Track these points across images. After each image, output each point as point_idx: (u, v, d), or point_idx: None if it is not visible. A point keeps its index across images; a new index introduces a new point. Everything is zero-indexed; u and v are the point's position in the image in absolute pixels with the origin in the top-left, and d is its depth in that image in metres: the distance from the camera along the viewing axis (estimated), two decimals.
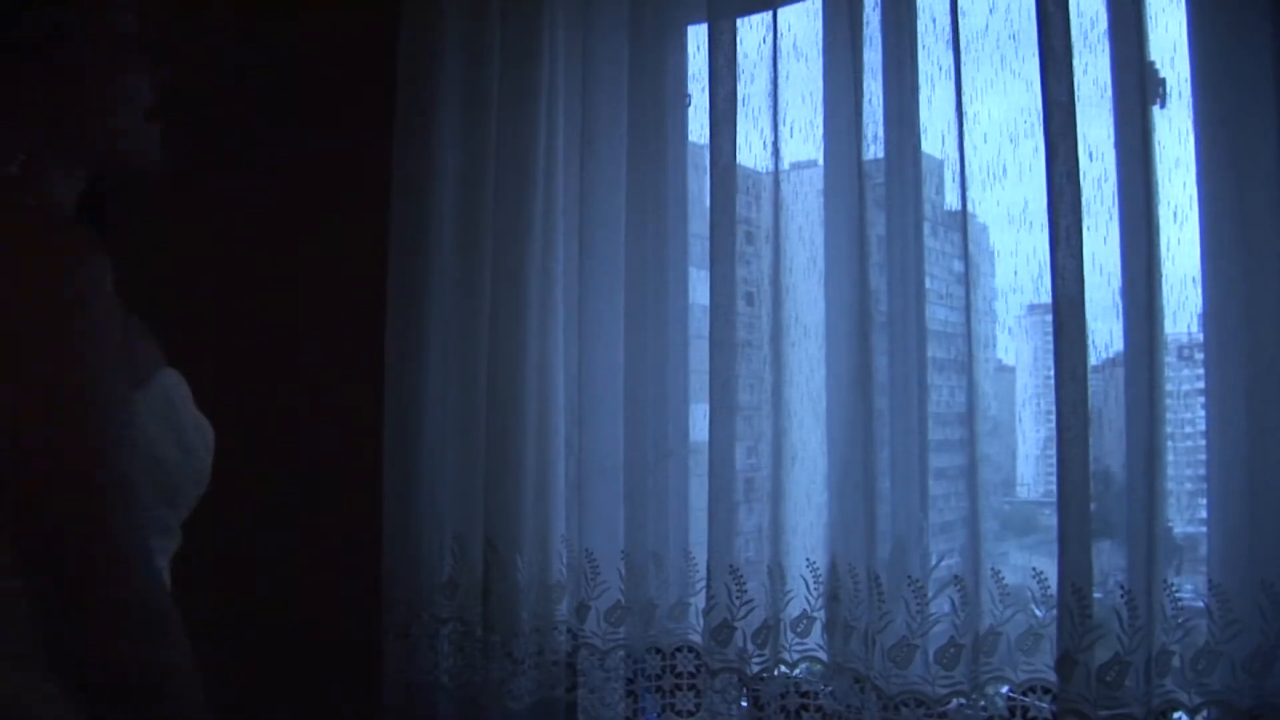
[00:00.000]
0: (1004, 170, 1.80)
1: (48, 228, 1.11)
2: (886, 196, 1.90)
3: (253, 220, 2.53)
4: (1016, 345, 2.15)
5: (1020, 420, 2.19)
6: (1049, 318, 2.08)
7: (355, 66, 2.44)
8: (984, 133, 1.80)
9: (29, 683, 1.04)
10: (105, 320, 1.08)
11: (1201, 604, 1.65)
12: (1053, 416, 2.08)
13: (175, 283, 2.42)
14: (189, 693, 1.06)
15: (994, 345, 2.04)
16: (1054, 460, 1.70)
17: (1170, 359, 1.74)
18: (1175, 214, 1.68)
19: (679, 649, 2.08)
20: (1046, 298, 1.85)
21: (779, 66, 2.01)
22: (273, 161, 2.50)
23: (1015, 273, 1.82)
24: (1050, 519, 2.03)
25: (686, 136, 2.19)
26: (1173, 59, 1.72)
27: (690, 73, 2.19)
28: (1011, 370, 2.20)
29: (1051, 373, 2.10)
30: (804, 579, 1.95)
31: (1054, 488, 1.70)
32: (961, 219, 1.81)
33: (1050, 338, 2.03)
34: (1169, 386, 1.72)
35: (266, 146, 2.51)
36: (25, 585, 1.02)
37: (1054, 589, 1.70)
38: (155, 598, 1.07)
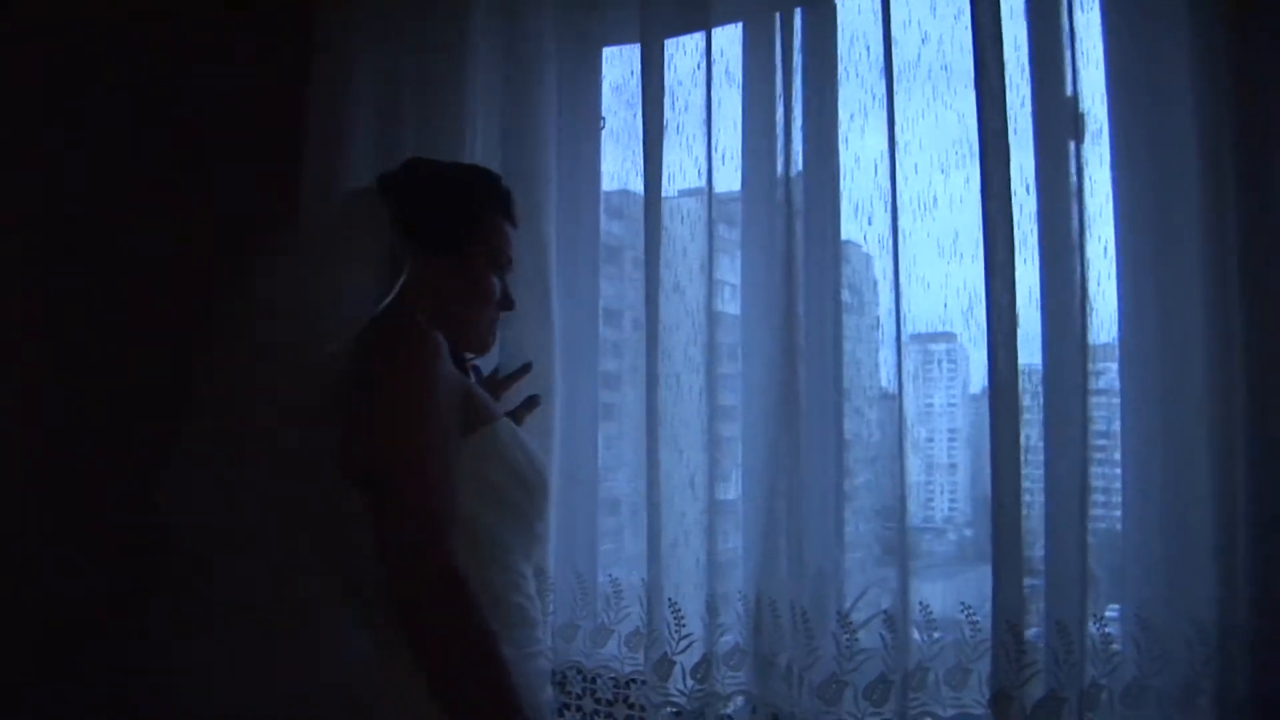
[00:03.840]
0: (934, 200, 1.79)
1: (414, 335, 1.54)
2: (805, 224, 1.88)
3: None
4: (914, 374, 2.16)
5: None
6: (937, 346, 2.13)
7: (266, 106, 2.34)
8: (915, 163, 1.79)
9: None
10: (443, 399, 1.53)
11: (1131, 639, 1.65)
12: (933, 446, 2.14)
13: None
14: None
15: (877, 374, 2.02)
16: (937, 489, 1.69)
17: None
18: (1105, 249, 1.69)
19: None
20: (940, 327, 1.86)
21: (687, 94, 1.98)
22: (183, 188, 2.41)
23: (945, 304, 1.80)
24: (933, 545, 2.07)
25: (600, 161, 2.13)
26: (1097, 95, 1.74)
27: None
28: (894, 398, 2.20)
29: (954, 404, 2.18)
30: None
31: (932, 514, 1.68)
32: (893, 247, 1.79)
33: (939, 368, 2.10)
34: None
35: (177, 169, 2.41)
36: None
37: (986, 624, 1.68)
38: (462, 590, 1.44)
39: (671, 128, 1.97)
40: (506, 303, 1.77)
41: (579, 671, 2.05)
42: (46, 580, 2.21)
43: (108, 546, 2.18)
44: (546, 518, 1.78)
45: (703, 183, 1.95)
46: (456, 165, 1.85)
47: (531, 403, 1.90)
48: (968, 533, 2.16)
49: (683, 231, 2.01)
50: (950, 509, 2.18)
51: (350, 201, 1.76)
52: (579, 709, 2.04)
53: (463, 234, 1.70)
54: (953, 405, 2.18)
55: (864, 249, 1.92)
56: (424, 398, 1.50)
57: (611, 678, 2.02)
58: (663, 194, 1.95)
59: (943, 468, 2.16)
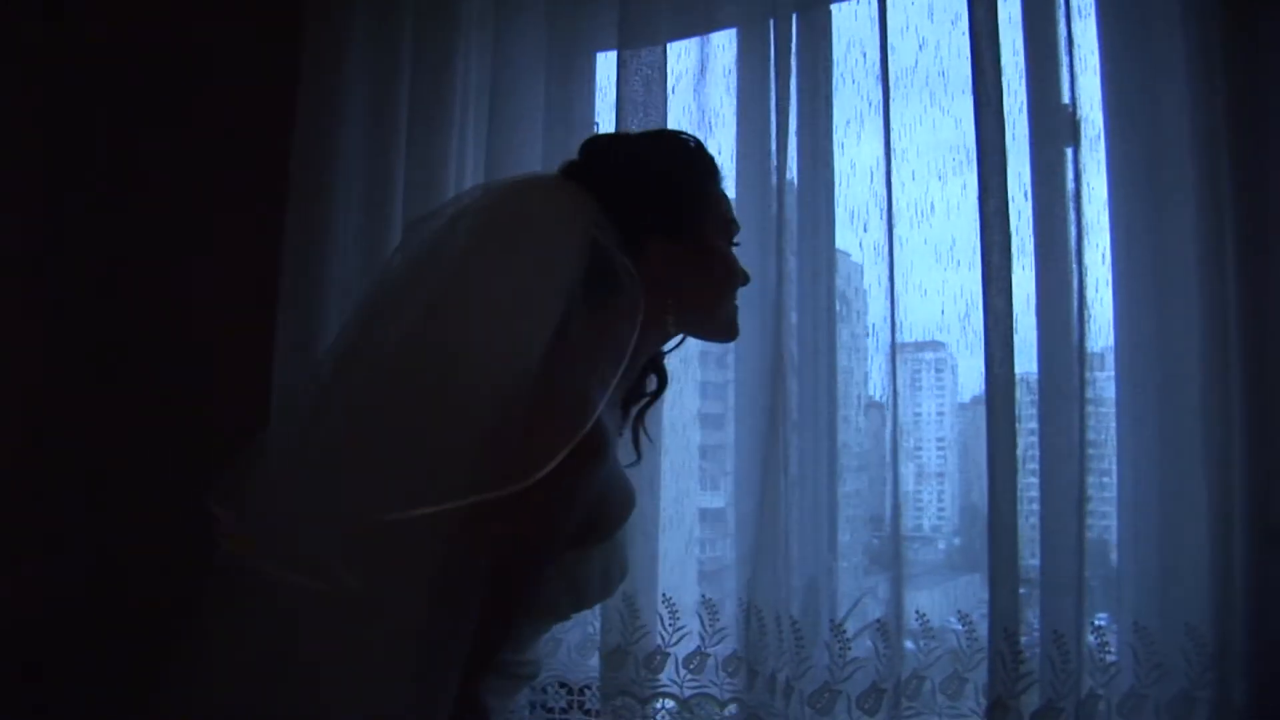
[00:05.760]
0: (931, 207, 1.78)
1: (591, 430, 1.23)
2: (797, 232, 1.87)
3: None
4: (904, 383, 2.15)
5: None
6: (926, 355, 2.12)
7: (256, 106, 2.31)
8: (911, 170, 1.78)
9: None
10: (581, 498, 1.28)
11: (1128, 648, 1.65)
12: (921, 454, 2.13)
13: None
14: None
15: (867, 383, 2.01)
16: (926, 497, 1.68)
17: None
18: (1103, 257, 1.69)
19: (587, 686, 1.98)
20: (936, 334, 1.86)
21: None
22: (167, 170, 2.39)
23: (942, 311, 1.80)
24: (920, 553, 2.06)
25: None
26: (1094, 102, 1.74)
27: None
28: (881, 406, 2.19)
29: (943, 413, 2.17)
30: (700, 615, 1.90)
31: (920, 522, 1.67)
32: (889, 254, 1.78)
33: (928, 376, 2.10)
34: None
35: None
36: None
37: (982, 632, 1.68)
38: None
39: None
40: (745, 277, 1.55)
41: (561, 684, 2.00)
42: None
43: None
44: None
45: None
46: (645, 134, 1.65)
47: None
48: (956, 541, 2.16)
49: None
50: (939, 518, 2.17)
51: (544, 192, 1.45)
52: None
53: (688, 209, 1.47)
54: (942, 414, 2.18)
55: (854, 258, 1.91)
56: (564, 509, 1.27)
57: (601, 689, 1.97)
58: None
59: (931, 476, 2.16)
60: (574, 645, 2.00)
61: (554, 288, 1.31)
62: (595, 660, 1.94)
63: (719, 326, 1.55)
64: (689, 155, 1.51)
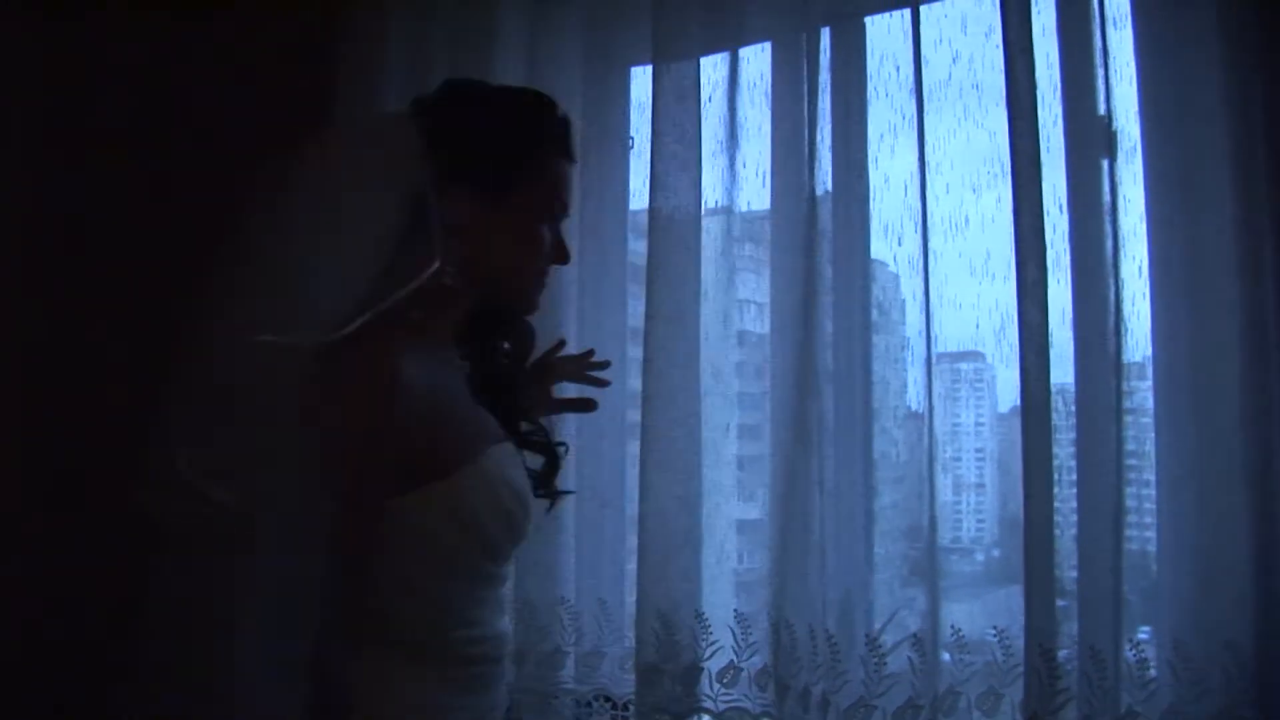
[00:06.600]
0: (966, 220, 1.78)
1: (363, 365, 1.29)
2: (833, 244, 1.87)
3: None
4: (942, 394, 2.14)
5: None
6: (965, 365, 2.11)
7: (292, 119, 2.30)
8: (946, 183, 1.78)
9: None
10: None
11: (1167, 664, 1.63)
12: (960, 465, 2.12)
13: None
14: None
15: (904, 394, 2.01)
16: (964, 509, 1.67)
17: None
18: (1140, 269, 1.67)
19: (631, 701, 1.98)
20: (970, 346, 1.85)
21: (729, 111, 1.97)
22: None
23: (977, 325, 1.79)
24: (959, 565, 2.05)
25: (628, 179, 2.12)
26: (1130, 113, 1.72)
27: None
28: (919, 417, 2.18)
29: (982, 424, 2.16)
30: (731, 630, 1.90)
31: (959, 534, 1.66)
32: (924, 268, 1.78)
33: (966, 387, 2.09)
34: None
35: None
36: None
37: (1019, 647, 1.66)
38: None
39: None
40: (561, 255, 1.52)
41: (606, 699, 2.01)
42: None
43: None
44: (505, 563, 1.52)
45: (727, 201, 1.96)
46: (506, 88, 1.58)
47: (584, 405, 1.75)
48: (995, 553, 2.15)
49: (709, 249, 2.00)
50: (978, 529, 2.16)
51: (375, 127, 1.49)
52: None
53: (511, 170, 1.43)
54: (980, 425, 2.17)
55: (891, 268, 1.91)
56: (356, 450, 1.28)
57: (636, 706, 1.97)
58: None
59: (970, 487, 2.15)
60: (617, 659, 2.00)
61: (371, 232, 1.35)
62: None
63: (510, 296, 1.51)
64: (533, 119, 1.48)
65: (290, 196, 1.37)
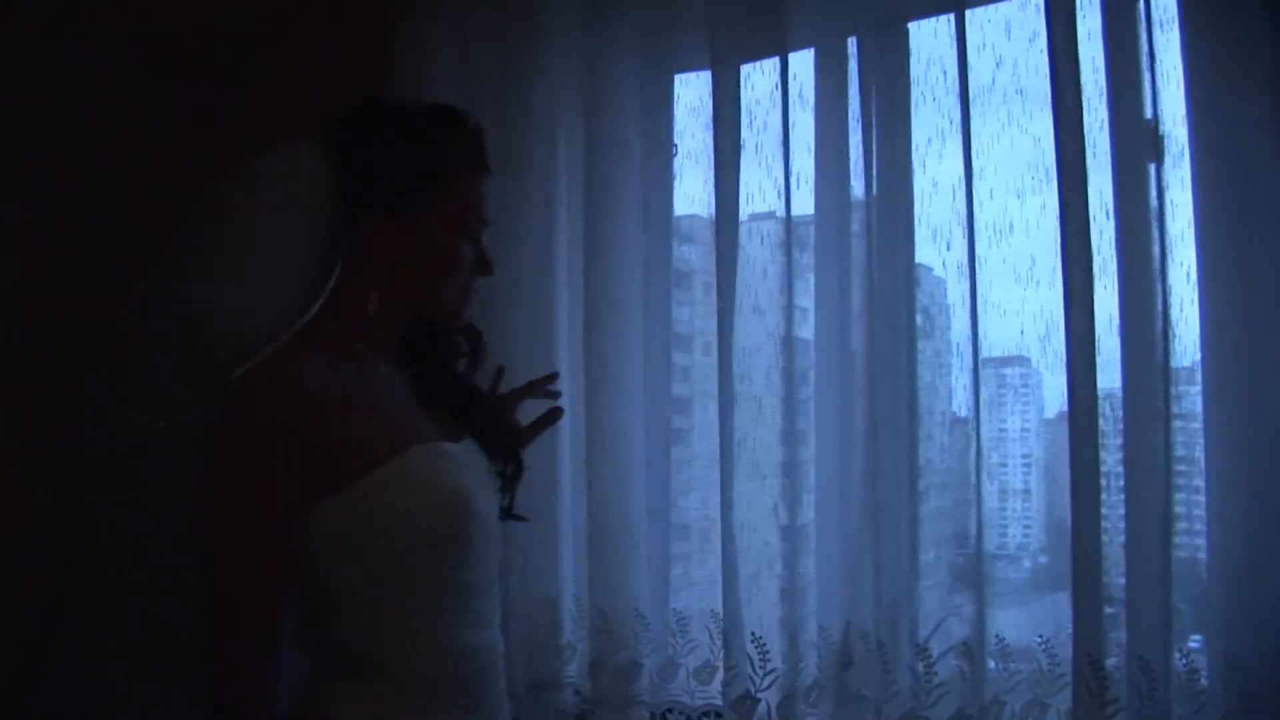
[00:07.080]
0: (1011, 226, 1.77)
1: (250, 392, 1.31)
2: (877, 250, 1.86)
3: None
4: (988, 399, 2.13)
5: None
6: (1011, 371, 2.10)
7: None
8: (990, 188, 1.77)
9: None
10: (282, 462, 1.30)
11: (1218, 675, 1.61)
12: (1006, 471, 2.10)
13: None
14: None
15: (950, 400, 2.00)
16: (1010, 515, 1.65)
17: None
18: (1188, 274, 1.66)
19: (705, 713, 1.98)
20: (1014, 351, 1.84)
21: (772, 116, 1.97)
22: None
23: (1022, 331, 1.78)
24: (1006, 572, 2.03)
25: (673, 187, 2.13)
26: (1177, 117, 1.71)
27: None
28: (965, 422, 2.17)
29: (1028, 429, 2.14)
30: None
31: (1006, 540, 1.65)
32: (970, 273, 1.77)
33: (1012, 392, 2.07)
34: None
35: None
36: None
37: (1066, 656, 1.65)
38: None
39: (747, 151, 1.96)
40: (483, 268, 1.49)
41: (680, 711, 1.99)
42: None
43: None
44: (484, 562, 1.45)
45: (778, 206, 1.94)
46: (418, 104, 1.51)
47: (551, 416, 1.70)
48: (1042, 560, 2.13)
49: (761, 254, 2.00)
50: (1025, 536, 2.14)
51: (286, 156, 1.43)
52: None
53: (423, 190, 1.41)
54: (1026, 430, 2.15)
55: (936, 273, 1.91)
56: (247, 483, 1.29)
57: (684, 714, 1.97)
58: (739, 218, 1.94)
59: (1016, 494, 2.13)
60: (691, 671, 1.99)
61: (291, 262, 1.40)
62: (714, 686, 1.95)
63: (436, 313, 1.49)
64: (443, 136, 1.45)
65: (211, 229, 1.42)
